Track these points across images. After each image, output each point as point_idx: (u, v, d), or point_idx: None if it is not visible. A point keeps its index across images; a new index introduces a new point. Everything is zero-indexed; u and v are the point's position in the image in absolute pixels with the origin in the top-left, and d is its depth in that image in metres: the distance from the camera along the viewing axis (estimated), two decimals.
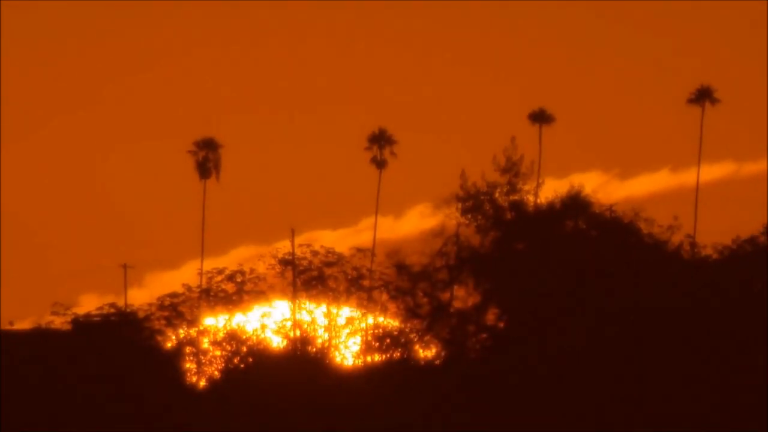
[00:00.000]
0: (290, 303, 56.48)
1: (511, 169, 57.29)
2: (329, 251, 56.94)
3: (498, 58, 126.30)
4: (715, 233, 56.24)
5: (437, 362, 55.62)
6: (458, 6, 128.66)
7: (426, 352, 55.96)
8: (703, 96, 58.58)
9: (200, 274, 55.80)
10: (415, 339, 55.88)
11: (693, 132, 59.71)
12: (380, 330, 56.11)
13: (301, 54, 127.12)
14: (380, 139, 56.35)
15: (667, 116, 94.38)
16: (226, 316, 56.44)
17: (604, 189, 60.74)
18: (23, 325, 55.62)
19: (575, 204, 57.90)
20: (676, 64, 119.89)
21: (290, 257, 56.18)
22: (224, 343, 56.29)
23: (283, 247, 56.68)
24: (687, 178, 61.95)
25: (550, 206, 57.63)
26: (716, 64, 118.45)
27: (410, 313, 56.49)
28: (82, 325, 55.23)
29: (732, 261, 55.40)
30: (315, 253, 56.72)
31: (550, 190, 58.59)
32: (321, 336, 56.82)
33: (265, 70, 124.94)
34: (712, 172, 72.21)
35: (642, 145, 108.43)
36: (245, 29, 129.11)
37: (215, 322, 56.63)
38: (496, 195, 57.51)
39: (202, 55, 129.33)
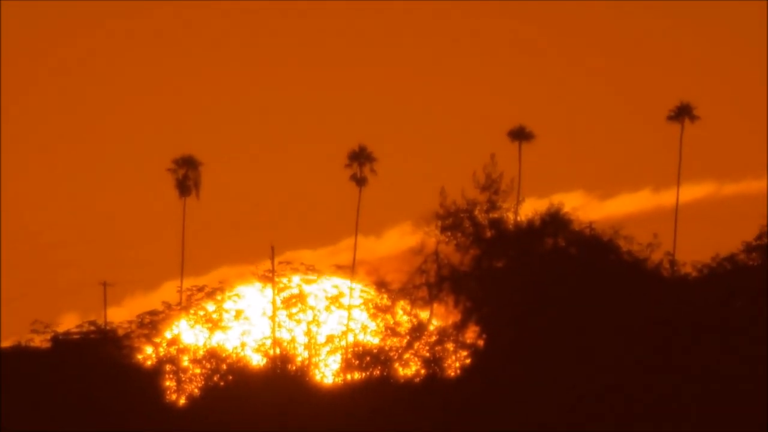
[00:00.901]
0: (270, 321, 56.50)
1: (491, 187, 57.46)
2: (309, 269, 57.02)
3: (478, 75, 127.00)
4: (695, 252, 56.34)
5: (417, 380, 55.65)
6: (438, 23, 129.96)
7: (406, 371, 55.98)
8: (682, 113, 58.70)
9: (180, 291, 55.67)
10: (395, 357, 55.85)
11: (674, 150, 59.84)
12: (360, 348, 56.03)
13: (281, 71, 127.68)
14: (360, 157, 56.42)
15: (648, 134, 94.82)
16: (206, 334, 56.42)
17: (585, 208, 60.64)
18: (3, 343, 55.60)
19: (555, 222, 58.17)
20: (656, 81, 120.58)
21: (270, 275, 56.24)
22: (204, 361, 56.26)
23: (264, 265, 56.77)
24: (668, 197, 62.00)
25: (530, 224, 58.01)
26: (696, 82, 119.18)
27: (390, 331, 56.65)
28: (62, 343, 55.20)
29: (711, 279, 55.52)
30: (295, 271, 56.77)
31: (530, 208, 58.57)
32: (301, 354, 56.77)
33: (245, 88, 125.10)
34: (692, 191, 72.31)
35: (622, 164, 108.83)
36: (224, 47, 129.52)
37: (195, 339, 56.58)
38: (476, 212, 57.75)
39: (181, 72, 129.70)
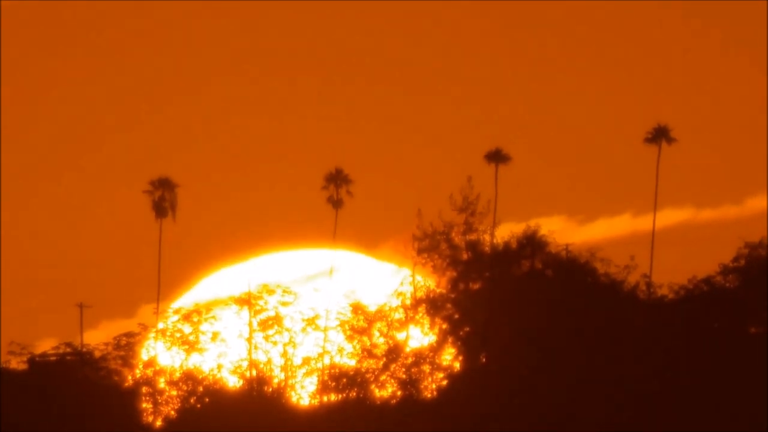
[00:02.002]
0: (247, 343, 56.56)
1: (468, 209, 57.72)
2: (286, 291, 57.12)
3: (455, 97, 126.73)
4: (672, 275, 56.50)
5: (394, 402, 55.65)
6: (413, 44, 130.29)
7: (382, 392, 56.02)
8: (659, 135, 58.88)
9: (156, 313, 55.73)
10: (372, 379, 55.92)
11: (653, 173, 60.01)
12: (336, 370, 56.07)
13: (256, 93, 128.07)
14: (337, 179, 56.60)
15: (625, 156, 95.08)
16: (183, 356, 56.48)
17: (564, 233, 60.88)
18: None
19: (531, 244, 58.29)
20: (633, 103, 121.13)
21: (247, 297, 56.39)
22: (181, 383, 56.29)
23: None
24: (647, 222, 62.19)
25: (507, 246, 58.03)
26: (673, 104, 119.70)
27: (366, 352, 56.72)
28: (38, 364, 55.25)
29: (688, 300, 55.67)
30: (272, 293, 56.87)
31: (507, 231, 58.74)
32: (277, 376, 56.80)
33: (221, 110, 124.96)
34: (671, 216, 72.91)
35: (601, 188, 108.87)
36: (200, 69, 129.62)
37: (172, 361, 56.62)
38: (453, 234, 58.01)
39: (157, 94, 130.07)
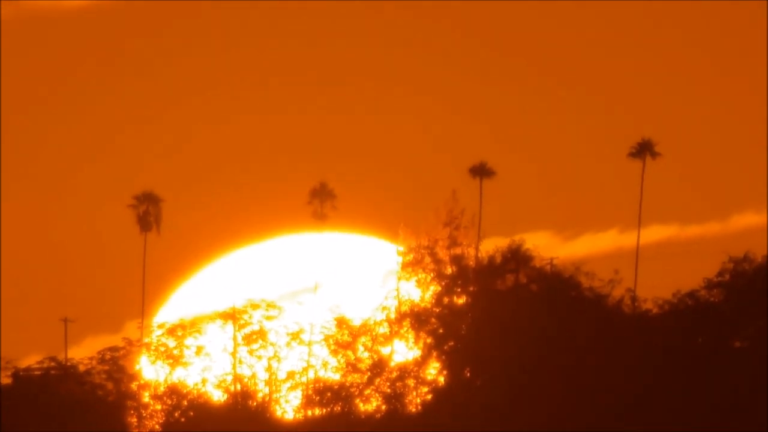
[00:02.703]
0: (231, 357, 56.62)
1: (452, 223, 57.87)
2: (270, 305, 57.17)
3: (440, 111, 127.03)
4: (657, 290, 56.57)
5: (378, 416, 55.65)
6: (397, 59, 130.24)
7: (366, 406, 56.00)
8: (644, 150, 59.16)
9: (141, 328, 55.87)
10: (356, 393, 55.90)
11: (637, 187, 60.29)
12: (321, 384, 56.08)
13: (241, 107, 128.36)
14: (321, 194, 56.83)
15: (610, 171, 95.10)
16: (167, 370, 56.49)
17: (547, 248, 61.07)
18: None
19: (516, 258, 58.32)
20: (617, 118, 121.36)
21: (231, 312, 56.48)
22: (165, 397, 56.31)
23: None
24: (631, 237, 62.43)
25: (491, 260, 58.11)
26: (656, 119, 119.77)
27: (351, 367, 56.71)
28: (23, 379, 55.23)
29: (672, 314, 55.72)
30: (256, 307, 56.94)
31: (491, 245, 58.79)
32: (262, 390, 56.83)
33: (205, 124, 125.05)
34: (656, 231, 73.32)
35: (587, 203, 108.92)
36: (182, 83, 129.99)
37: (156, 375, 56.64)
38: (437, 249, 58.09)
39: (141, 108, 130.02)
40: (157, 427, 55.91)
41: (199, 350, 56.40)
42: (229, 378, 56.50)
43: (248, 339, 56.43)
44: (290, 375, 56.87)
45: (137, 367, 56.56)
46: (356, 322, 57.22)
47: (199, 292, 62.32)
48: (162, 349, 56.44)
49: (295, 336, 56.99)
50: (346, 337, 56.80)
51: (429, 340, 56.78)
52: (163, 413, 56.12)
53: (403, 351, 57.47)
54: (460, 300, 57.40)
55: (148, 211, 55.62)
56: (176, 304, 61.05)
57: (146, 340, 56.64)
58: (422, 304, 57.89)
